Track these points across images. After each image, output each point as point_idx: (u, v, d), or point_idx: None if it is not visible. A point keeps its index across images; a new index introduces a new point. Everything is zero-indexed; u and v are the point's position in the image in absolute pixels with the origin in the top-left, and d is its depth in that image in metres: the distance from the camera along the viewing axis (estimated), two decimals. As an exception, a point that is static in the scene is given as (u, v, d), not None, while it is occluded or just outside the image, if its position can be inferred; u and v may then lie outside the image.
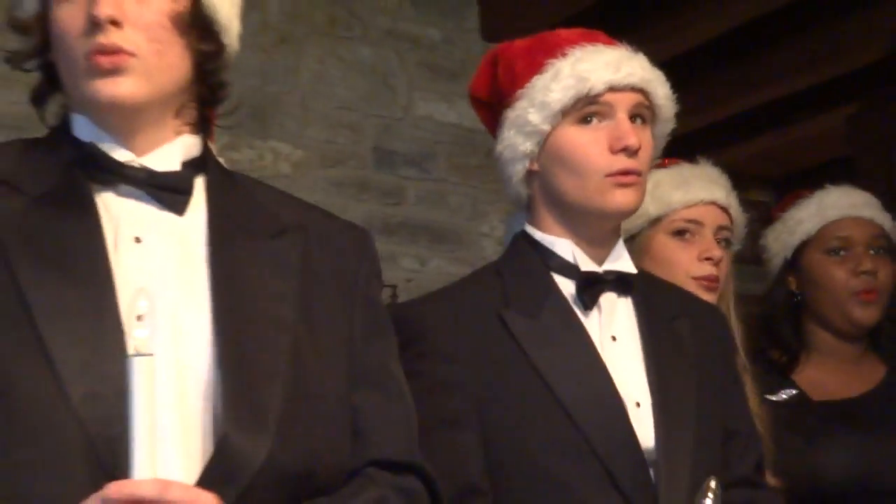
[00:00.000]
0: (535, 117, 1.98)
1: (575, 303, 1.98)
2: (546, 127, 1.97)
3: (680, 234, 2.58)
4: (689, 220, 2.58)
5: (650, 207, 2.55)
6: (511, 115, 2.02)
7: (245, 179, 1.70)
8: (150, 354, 1.30)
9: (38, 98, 1.60)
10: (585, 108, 1.96)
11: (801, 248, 2.85)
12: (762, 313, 2.90)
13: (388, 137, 4.43)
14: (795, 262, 2.87)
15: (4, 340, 1.39)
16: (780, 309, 2.86)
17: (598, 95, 1.95)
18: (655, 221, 2.59)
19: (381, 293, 1.71)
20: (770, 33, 4.72)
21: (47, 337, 1.38)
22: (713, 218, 2.60)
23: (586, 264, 2.00)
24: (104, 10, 1.46)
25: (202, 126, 1.62)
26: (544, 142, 1.99)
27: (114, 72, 1.47)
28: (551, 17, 4.09)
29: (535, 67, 2.01)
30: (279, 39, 4.24)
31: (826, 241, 2.83)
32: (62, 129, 1.58)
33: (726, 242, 2.61)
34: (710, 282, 2.53)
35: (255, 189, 1.68)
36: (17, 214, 1.46)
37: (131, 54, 1.48)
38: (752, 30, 4.59)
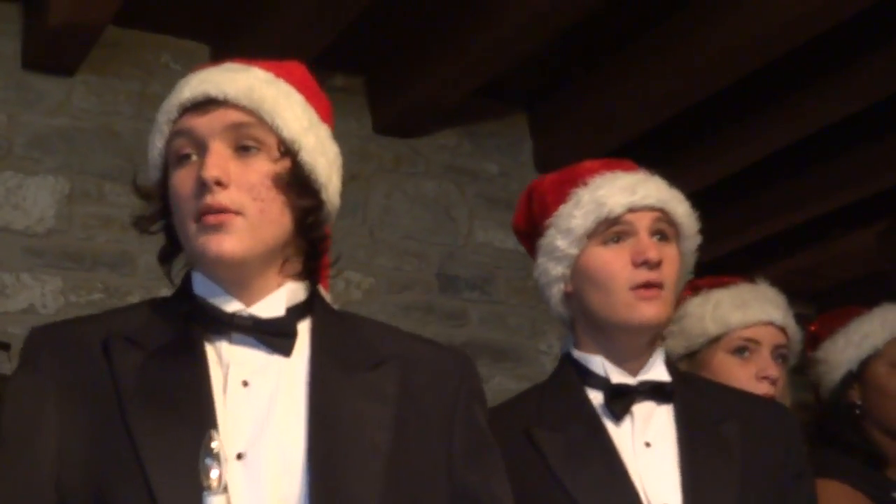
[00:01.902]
0: (562, 243, 2.00)
1: (605, 415, 1.96)
2: (574, 251, 2.00)
3: (739, 352, 2.56)
4: (748, 339, 2.56)
5: (710, 327, 2.56)
6: (543, 242, 2.06)
7: (352, 318, 1.72)
8: (224, 493, 1.32)
9: (164, 258, 1.66)
10: (608, 230, 1.99)
11: (867, 360, 2.82)
12: (816, 421, 2.86)
13: (451, 264, 4.48)
14: (859, 374, 2.83)
15: (117, 483, 1.44)
16: (843, 418, 2.81)
17: (618, 217, 1.97)
18: (715, 340, 2.57)
19: (483, 412, 1.68)
20: (805, 157, 4.74)
21: (152, 475, 1.42)
22: (771, 337, 2.59)
23: (618, 377, 1.99)
24: (211, 173, 1.51)
25: (307, 274, 1.64)
26: (575, 265, 2.00)
27: (220, 229, 1.52)
28: (598, 150, 4.13)
29: (562, 197, 2.05)
30: (350, 177, 4.28)
31: (894, 354, 2.80)
32: (184, 287, 1.64)
33: (783, 359, 2.59)
34: None
35: (360, 325, 1.69)
36: (135, 368, 1.51)
37: (237, 213, 1.52)
38: (788, 155, 4.60)
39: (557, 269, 2.02)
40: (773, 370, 2.54)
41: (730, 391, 2.17)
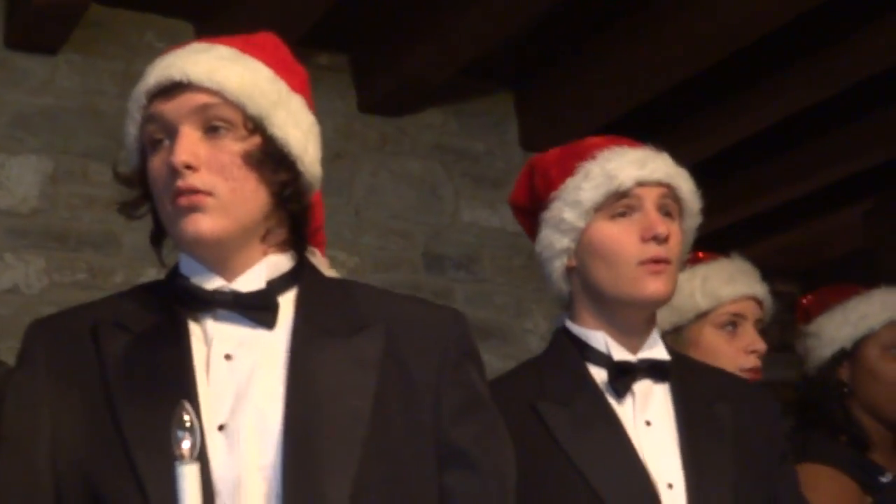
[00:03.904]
0: (569, 215, 1.99)
1: (608, 391, 1.96)
2: (581, 223, 1.99)
3: (726, 326, 2.57)
4: (735, 314, 2.59)
5: (700, 301, 2.57)
6: (547, 215, 2.04)
7: (345, 284, 1.72)
8: (196, 462, 1.33)
9: (154, 240, 1.66)
10: (616, 203, 1.98)
11: (861, 340, 2.81)
12: (801, 399, 2.85)
13: (437, 243, 4.47)
14: (851, 353, 2.83)
15: (103, 464, 1.46)
16: (830, 397, 2.81)
17: (627, 191, 1.97)
18: (703, 315, 2.58)
19: (477, 370, 1.66)
20: (789, 136, 4.74)
21: (135, 454, 1.45)
22: (754, 311, 2.63)
23: (619, 354, 1.99)
24: (180, 158, 1.51)
25: (293, 244, 1.64)
26: (580, 238, 1.99)
27: (194, 209, 1.52)
28: (583, 129, 4.14)
29: (568, 171, 2.03)
30: (335, 155, 4.30)
31: (891, 338, 2.79)
32: (174, 269, 1.64)
33: (762, 334, 2.60)
34: (756, 374, 2.56)
35: (351, 291, 1.68)
36: (120, 351, 1.54)
37: (208, 193, 1.52)
38: (772, 134, 4.60)
39: (563, 242, 2.01)
40: (761, 344, 2.57)
41: (719, 373, 2.18)
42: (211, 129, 1.55)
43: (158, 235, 1.65)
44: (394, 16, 4.05)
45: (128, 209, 1.65)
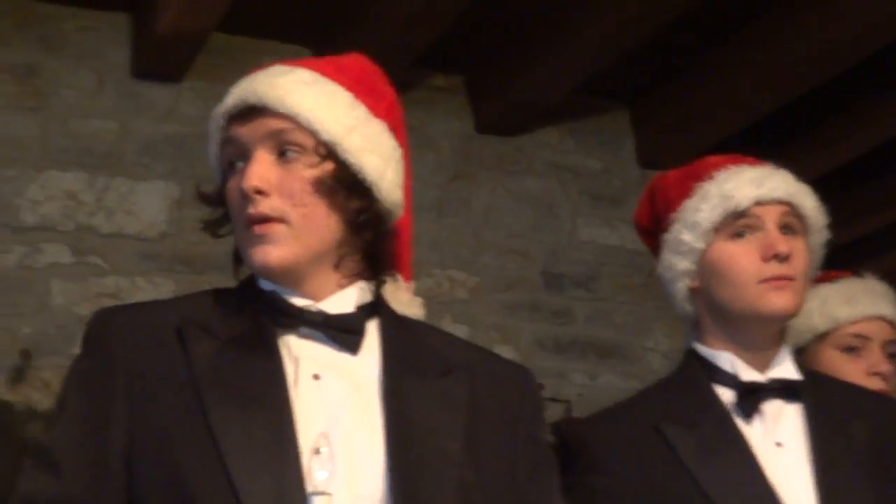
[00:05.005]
0: (688, 237, 1.98)
1: (736, 413, 1.92)
2: (700, 245, 1.97)
3: (848, 349, 2.50)
4: (857, 335, 2.52)
5: (817, 322, 2.51)
6: (668, 237, 2.03)
7: (414, 323, 1.70)
8: (330, 494, 1.36)
9: (237, 257, 1.64)
10: (735, 224, 1.95)
11: None
12: None
13: (556, 261, 4.46)
14: None
15: (193, 469, 1.43)
16: None
17: (745, 210, 1.94)
18: (823, 336, 2.53)
19: (545, 430, 1.69)
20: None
21: (232, 466, 1.42)
22: (880, 332, 2.53)
23: (747, 374, 1.95)
24: (250, 183, 1.51)
25: (373, 273, 1.63)
26: (701, 259, 1.97)
27: (264, 239, 1.52)
28: (701, 144, 4.11)
29: (686, 192, 2.02)
30: (453, 176, 4.32)
31: None
32: (250, 281, 1.64)
33: (891, 357, 2.52)
34: None
35: (424, 332, 1.69)
36: (210, 356, 1.51)
37: (279, 220, 1.52)
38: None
39: (683, 264, 1.99)
40: (885, 366, 2.48)
41: (856, 389, 2.12)
42: (283, 155, 1.54)
43: (239, 252, 1.64)
44: (508, 36, 4.06)
45: (212, 228, 1.65)
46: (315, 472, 1.43)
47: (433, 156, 4.25)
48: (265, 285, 1.59)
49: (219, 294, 1.64)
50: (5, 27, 3.81)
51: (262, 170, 1.52)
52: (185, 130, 3.95)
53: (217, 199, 1.63)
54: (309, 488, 1.40)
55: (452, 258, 4.28)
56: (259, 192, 1.51)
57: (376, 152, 1.59)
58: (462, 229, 4.33)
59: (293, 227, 1.52)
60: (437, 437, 1.52)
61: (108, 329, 1.55)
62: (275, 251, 1.52)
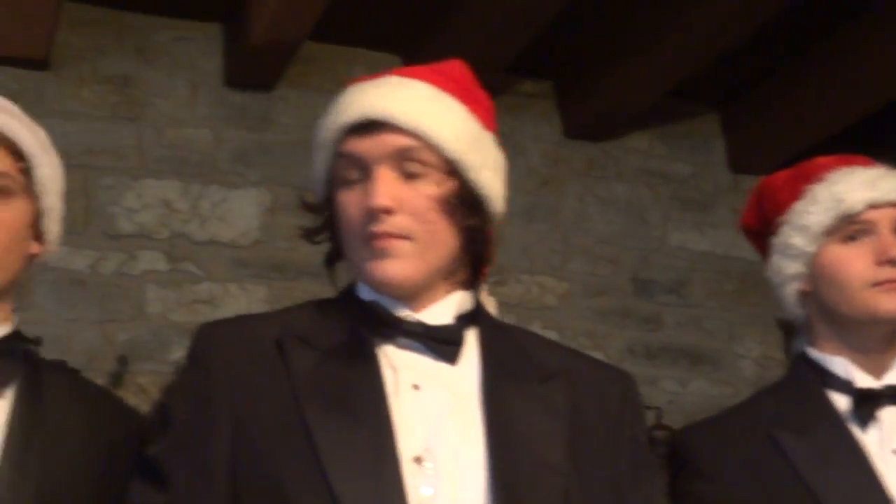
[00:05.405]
0: (797, 240, 1.94)
1: (851, 420, 1.88)
2: (810, 248, 1.94)
3: None
4: None
5: None
6: (776, 240, 2.00)
7: (513, 329, 1.70)
8: None
9: (329, 263, 1.66)
10: (847, 227, 1.92)
11: None
12: None
13: (646, 267, 4.43)
14: None
15: (294, 479, 1.44)
16: None
17: (857, 214, 1.91)
18: None
19: (646, 435, 1.67)
20: None
21: (330, 471, 1.43)
22: None
23: (863, 380, 1.91)
24: (380, 202, 1.51)
25: (473, 283, 1.64)
26: (812, 263, 1.94)
27: (387, 254, 1.52)
28: (793, 148, 4.05)
29: (795, 194, 1.98)
30: (542, 182, 4.31)
31: None
32: (349, 291, 1.65)
33: None
34: None
35: (522, 338, 1.68)
36: (310, 367, 1.52)
37: (405, 238, 1.52)
38: None
39: (793, 268, 1.97)
40: None
41: None
42: (408, 172, 1.54)
43: (334, 258, 1.65)
44: (596, 41, 4.05)
45: (311, 235, 1.66)
46: (420, 489, 1.43)
47: (522, 161, 4.25)
48: (366, 295, 1.60)
49: (318, 305, 1.65)
50: (103, 39, 3.89)
51: (389, 189, 1.52)
52: (277, 138, 4.00)
53: (321, 209, 1.64)
54: (413, 502, 1.41)
55: (542, 264, 4.28)
56: (387, 211, 1.51)
57: (490, 166, 1.60)
58: (551, 235, 4.32)
59: (418, 244, 1.53)
60: (540, 446, 1.51)
61: (211, 343, 1.58)
62: (397, 266, 1.52)
